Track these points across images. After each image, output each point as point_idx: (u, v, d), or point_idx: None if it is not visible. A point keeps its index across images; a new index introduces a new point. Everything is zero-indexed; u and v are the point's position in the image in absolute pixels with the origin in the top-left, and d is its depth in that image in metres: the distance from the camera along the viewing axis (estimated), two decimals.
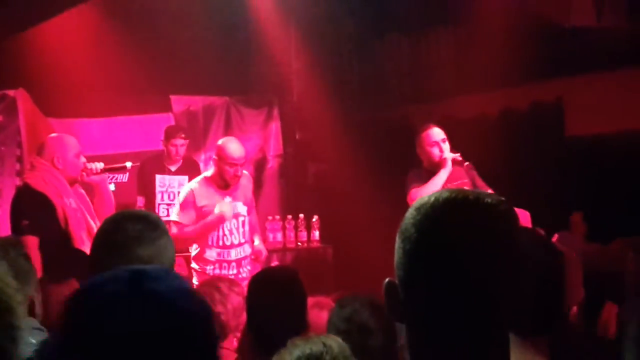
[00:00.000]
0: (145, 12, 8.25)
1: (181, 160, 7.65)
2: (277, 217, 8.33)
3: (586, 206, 6.52)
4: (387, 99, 9.13)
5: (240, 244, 6.08)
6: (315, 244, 8.17)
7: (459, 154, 5.93)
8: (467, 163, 5.93)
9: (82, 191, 5.38)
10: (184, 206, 5.90)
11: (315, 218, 8.17)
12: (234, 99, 9.37)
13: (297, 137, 9.63)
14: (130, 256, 2.16)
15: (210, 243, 5.99)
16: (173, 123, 8.59)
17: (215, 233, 5.96)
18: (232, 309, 3.87)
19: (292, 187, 9.49)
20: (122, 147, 8.32)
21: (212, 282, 4.20)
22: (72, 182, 5.23)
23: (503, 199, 1.39)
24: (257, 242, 6.31)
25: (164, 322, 1.08)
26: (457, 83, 8.28)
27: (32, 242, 4.77)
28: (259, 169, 9.33)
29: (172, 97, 8.99)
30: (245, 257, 6.12)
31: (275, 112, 9.53)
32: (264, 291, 3.32)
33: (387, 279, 1.43)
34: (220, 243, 6.01)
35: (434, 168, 5.87)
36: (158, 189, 7.51)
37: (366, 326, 2.70)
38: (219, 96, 9.30)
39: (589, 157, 6.96)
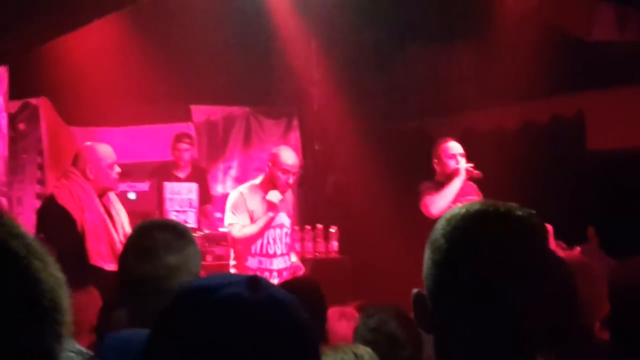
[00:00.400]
0: (168, 23, 8.29)
1: (190, 168, 7.69)
2: (296, 227, 8.33)
3: (605, 220, 6.49)
4: (407, 110, 9.14)
5: (282, 254, 6.11)
6: (333, 255, 8.15)
7: (472, 165, 5.97)
8: (477, 172, 5.98)
9: (115, 200, 5.35)
10: (236, 207, 5.91)
11: (334, 229, 8.16)
12: (254, 109, 9.41)
13: (316, 147, 9.65)
14: (159, 263, 2.18)
15: (253, 251, 5.99)
16: (193, 132, 8.63)
17: (259, 241, 5.97)
18: None
19: (311, 198, 9.50)
20: (144, 155, 8.37)
21: None
22: (104, 192, 5.18)
23: (534, 212, 1.40)
24: (294, 258, 6.34)
25: (286, 326, 1.07)
26: (478, 96, 8.28)
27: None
28: None
29: (193, 107, 9.05)
30: (286, 269, 6.13)
31: (295, 122, 9.56)
32: None
33: (415, 290, 1.43)
34: (263, 251, 6.02)
35: (446, 179, 5.94)
36: (168, 196, 7.54)
37: (394, 337, 2.69)
38: (239, 106, 9.34)
39: (610, 172, 6.93)
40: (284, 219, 6.12)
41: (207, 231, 7.52)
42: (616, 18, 6.61)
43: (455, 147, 6.06)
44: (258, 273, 5.79)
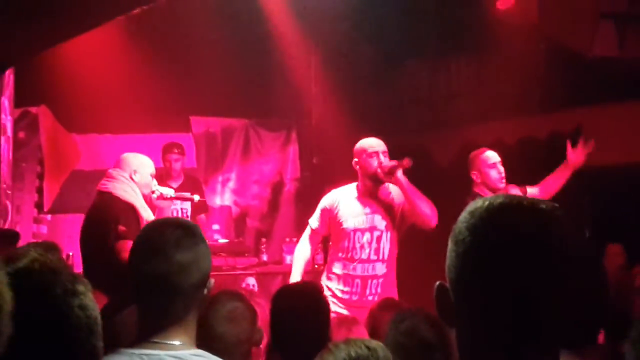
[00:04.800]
0: (169, 33, 8.33)
1: (183, 177, 7.68)
2: (295, 239, 8.33)
3: (604, 237, 6.50)
4: (405, 124, 9.15)
5: (369, 261, 5.54)
6: None
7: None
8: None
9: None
10: (322, 211, 5.72)
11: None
12: (253, 122, 9.43)
13: (314, 161, 9.65)
14: (169, 261, 2.17)
15: (340, 255, 5.60)
16: (193, 143, 8.64)
17: (346, 244, 5.56)
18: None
19: (309, 211, 9.48)
20: None
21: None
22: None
23: (557, 205, 1.40)
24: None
25: None
26: (476, 110, 8.30)
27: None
28: (276, 192, 9.37)
29: (192, 118, 9.06)
30: (374, 277, 5.54)
31: (294, 135, 9.58)
32: (288, 305, 3.33)
33: (438, 282, 1.43)
34: (349, 255, 5.56)
35: (491, 190, 5.77)
36: (160, 204, 7.51)
37: (425, 340, 2.69)
38: (238, 118, 9.36)
39: (608, 187, 6.94)
40: (377, 221, 5.57)
41: None
42: (616, 34, 6.65)
43: (492, 156, 5.96)
44: (342, 280, 5.55)
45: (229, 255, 7.57)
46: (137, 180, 5.20)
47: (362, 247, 5.54)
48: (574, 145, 5.98)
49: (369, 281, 5.54)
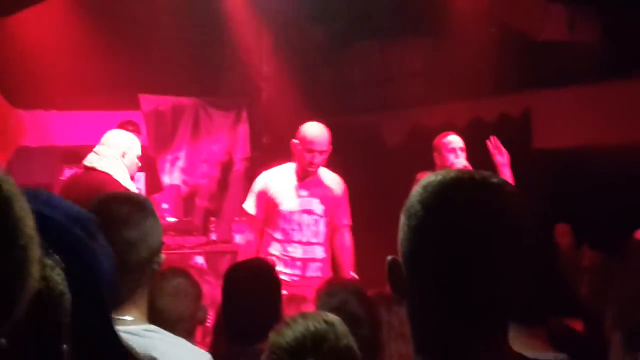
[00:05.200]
0: (120, 10, 8.21)
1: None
2: (244, 218, 8.30)
3: (552, 218, 6.58)
4: (356, 105, 9.17)
5: (309, 243, 5.51)
6: None
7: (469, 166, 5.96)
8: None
9: None
10: (257, 195, 5.55)
11: None
12: (203, 101, 9.35)
13: (264, 140, 9.63)
14: (116, 238, 2.13)
15: (277, 237, 5.52)
16: (142, 121, 8.55)
17: (284, 225, 5.48)
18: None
19: None
20: (91, 141, 8.22)
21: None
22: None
23: (507, 180, 1.41)
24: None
25: None
26: (427, 92, 8.34)
27: None
28: (225, 171, 9.32)
29: (141, 96, 8.95)
30: (314, 260, 5.53)
31: (244, 115, 9.53)
32: (240, 282, 3.31)
33: (390, 256, 1.43)
34: (286, 237, 5.49)
35: None
36: None
37: (355, 315, 2.69)
38: (188, 97, 9.28)
39: (554, 170, 7.03)
40: (314, 205, 5.53)
41: None
42: (566, 18, 6.72)
43: (455, 140, 5.96)
44: (282, 262, 5.43)
45: (177, 234, 7.53)
46: (126, 162, 5.13)
47: (300, 228, 5.50)
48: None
49: (309, 264, 5.52)
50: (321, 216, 5.56)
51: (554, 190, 6.88)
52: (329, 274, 5.53)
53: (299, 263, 5.50)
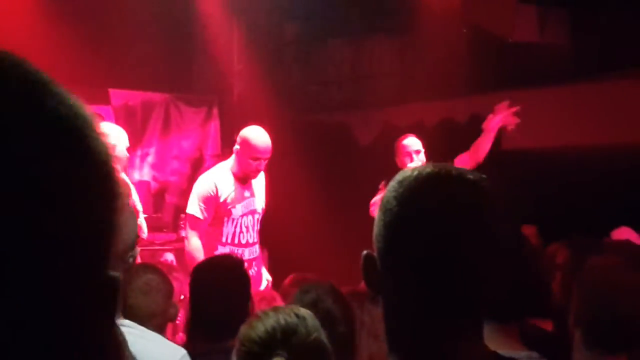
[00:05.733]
0: (90, 4, 8.14)
1: None
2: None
3: (517, 220, 6.61)
4: (328, 103, 9.17)
5: (253, 244, 5.55)
6: None
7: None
8: None
9: None
10: (206, 200, 5.34)
11: None
12: (174, 97, 9.31)
13: (235, 137, 9.57)
14: None
15: (224, 240, 5.42)
16: (112, 117, 8.48)
17: (232, 229, 5.41)
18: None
19: None
20: None
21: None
22: None
23: (484, 176, 1.41)
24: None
25: None
26: (398, 91, 8.37)
27: None
28: (195, 168, 9.27)
29: (111, 91, 8.87)
30: (255, 259, 5.59)
31: (215, 111, 9.49)
32: (209, 279, 3.30)
33: (365, 251, 1.43)
34: (236, 241, 5.44)
35: None
36: None
37: (330, 313, 2.68)
38: (158, 93, 9.22)
39: (523, 172, 7.07)
40: (257, 204, 5.56)
41: None
42: (536, 20, 6.76)
43: (412, 143, 5.96)
44: None
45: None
46: (116, 154, 5.06)
47: (247, 230, 5.48)
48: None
49: (253, 263, 5.50)
50: (260, 213, 5.60)
51: (522, 191, 6.93)
52: (262, 270, 5.64)
53: (245, 264, 5.46)
